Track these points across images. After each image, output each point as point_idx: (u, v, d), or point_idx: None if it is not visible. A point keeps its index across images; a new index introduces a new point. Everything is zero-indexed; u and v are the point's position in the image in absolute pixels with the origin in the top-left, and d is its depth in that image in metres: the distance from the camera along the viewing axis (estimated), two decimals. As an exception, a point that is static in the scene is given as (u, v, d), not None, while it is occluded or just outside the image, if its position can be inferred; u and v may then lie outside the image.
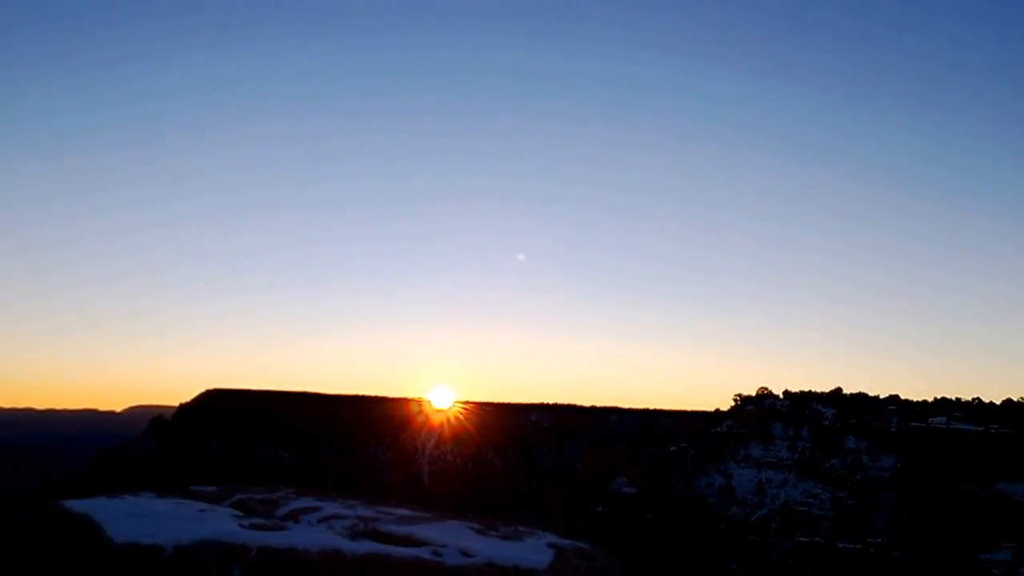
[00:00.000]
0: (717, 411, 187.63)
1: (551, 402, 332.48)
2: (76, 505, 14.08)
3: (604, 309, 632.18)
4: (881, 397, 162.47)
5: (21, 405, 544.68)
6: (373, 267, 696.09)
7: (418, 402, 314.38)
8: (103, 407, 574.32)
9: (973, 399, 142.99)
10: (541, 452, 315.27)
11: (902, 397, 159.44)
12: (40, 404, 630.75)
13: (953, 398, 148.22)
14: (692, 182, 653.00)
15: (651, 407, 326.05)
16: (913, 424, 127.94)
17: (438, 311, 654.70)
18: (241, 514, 14.77)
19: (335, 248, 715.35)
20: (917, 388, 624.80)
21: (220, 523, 13.53)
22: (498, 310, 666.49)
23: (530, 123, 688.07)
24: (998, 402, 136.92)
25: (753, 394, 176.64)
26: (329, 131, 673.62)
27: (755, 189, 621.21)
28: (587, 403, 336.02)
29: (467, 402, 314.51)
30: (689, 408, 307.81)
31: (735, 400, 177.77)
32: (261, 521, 14.16)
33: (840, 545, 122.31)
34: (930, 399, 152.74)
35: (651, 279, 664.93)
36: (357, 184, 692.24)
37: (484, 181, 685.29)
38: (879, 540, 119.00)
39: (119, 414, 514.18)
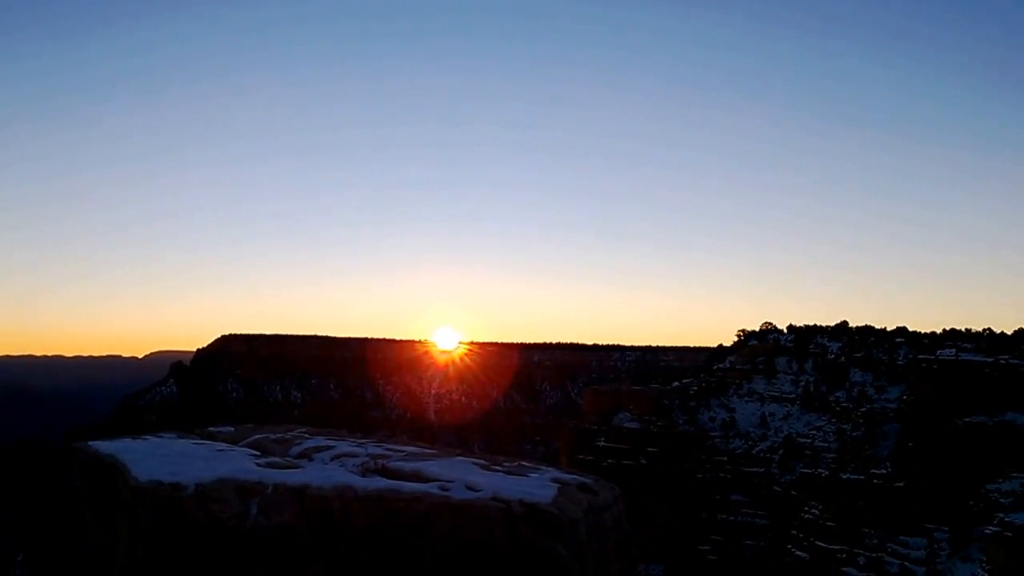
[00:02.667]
0: (720, 347, 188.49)
1: (554, 341, 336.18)
2: (103, 446, 14.73)
3: (606, 247, 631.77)
4: (888, 330, 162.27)
5: (51, 353, 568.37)
6: (381, 211, 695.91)
7: (424, 343, 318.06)
8: (126, 353, 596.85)
9: (983, 330, 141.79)
10: (544, 390, 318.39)
11: (910, 329, 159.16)
12: (69, 351, 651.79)
13: (963, 329, 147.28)
14: (691, 119, 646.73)
15: (653, 344, 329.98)
16: (921, 356, 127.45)
17: (442, 254, 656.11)
18: (257, 453, 15.36)
19: (344, 193, 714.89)
20: (926, 320, 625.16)
21: (238, 462, 14.13)
22: (500, 252, 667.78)
23: (531, 67, 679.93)
24: (1009, 332, 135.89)
25: (757, 329, 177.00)
26: (336, 78, 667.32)
27: (756, 124, 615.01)
28: (589, 341, 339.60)
29: (471, 342, 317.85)
30: (692, 344, 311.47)
31: (738, 336, 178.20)
32: (276, 460, 14.73)
33: (843, 476, 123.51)
34: (939, 331, 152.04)
35: (652, 215, 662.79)
36: (363, 129, 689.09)
37: (489, 123, 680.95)
38: (883, 471, 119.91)
39: (141, 359, 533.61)
